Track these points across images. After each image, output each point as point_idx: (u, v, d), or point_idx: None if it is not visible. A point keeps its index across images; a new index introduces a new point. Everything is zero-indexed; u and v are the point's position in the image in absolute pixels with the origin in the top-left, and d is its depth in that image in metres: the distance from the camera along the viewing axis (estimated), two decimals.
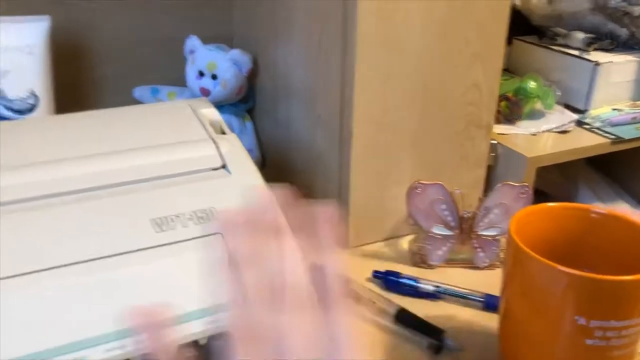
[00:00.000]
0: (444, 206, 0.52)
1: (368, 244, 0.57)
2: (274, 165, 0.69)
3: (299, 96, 0.60)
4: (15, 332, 0.34)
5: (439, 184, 0.51)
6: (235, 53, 0.66)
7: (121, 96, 0.72)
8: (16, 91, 0.62)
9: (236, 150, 0.48)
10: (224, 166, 0.46)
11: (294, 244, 0.30)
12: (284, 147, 0.66)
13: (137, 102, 0.72)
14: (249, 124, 0.71)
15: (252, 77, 0.69)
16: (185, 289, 0.38)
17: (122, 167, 0.43)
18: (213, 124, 0.50)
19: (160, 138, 0.47)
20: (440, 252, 0.54)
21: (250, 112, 0.73)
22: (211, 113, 0.52)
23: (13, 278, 0.36)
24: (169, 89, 0.72)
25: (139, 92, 0.72)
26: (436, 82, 0.54)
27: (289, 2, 0.59)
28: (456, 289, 0.50)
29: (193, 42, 0.67)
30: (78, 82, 0.70)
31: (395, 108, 0.53)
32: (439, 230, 0.53)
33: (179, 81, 0.72)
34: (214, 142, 0.47)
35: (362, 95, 0.51)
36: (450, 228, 0.53)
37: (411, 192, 0.51)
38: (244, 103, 0.72)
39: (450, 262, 0.55)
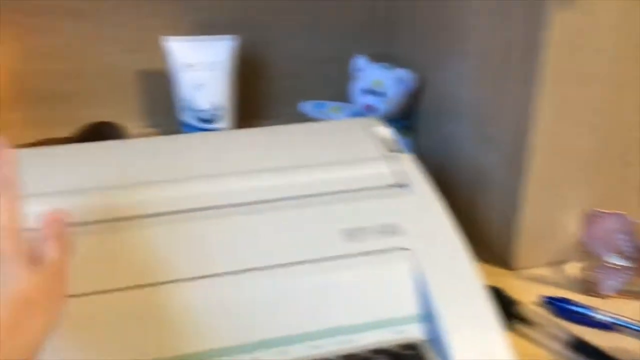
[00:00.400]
0: (622, 236, 0.50)
1: (534, 267, 0.57)
2: (434, 181, 0.71)
3: (468, 116, 0.61)
4: (219, 325, 0.39)
5: (620, 213, 0.50)
6: (402, 72, 0.68)
7: (289, 108, 0.77)
8: (205, 103, 0.69)
9: (412, 169, 0.50)
10: (401, 184, 0.48)
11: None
12: (445, 164, 0.67)
13: (303, 115, 0.77)
14: (409, 141, 0.73)
15: (415, 95, 0.71)
16: (372, 298, 0.41)
17: (309, 180, 0.47)
18: (388, 142, 0.53)
19: (340, 154, 0.50)
20: (613, 282, 0.52)
21: (410, 128, 0.75)
22: (385, 132, 0.55)
23: (219, 276, 0.40)
24: (333, 104, 0.76)
25: (305, 106, 0.77)
26: (624, 110, 0.52)
27: (463, 24, 0.60)
28: (636, 322, 0.48)
29: (360, 61, 0.71)
30: (254, 95, 0.77)
31: (576, 135, 0.52)
32: (614, 259, 0.51)
33: (342, 97, 0.76)
34: (391, 160, 0.50)
35: (542, 121, 0.51)
36: (627, 258, 0.51)
37: (588, 219, 0.50)
38: (405, 120, 0.74)
39: (623, 293, 0.53)
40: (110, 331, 0.37)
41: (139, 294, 0.39)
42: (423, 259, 0.43)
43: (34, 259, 0.30)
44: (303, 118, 0.77)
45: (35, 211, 0.34)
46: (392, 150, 0.51)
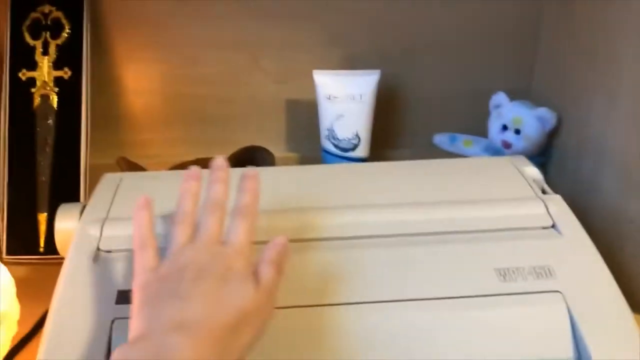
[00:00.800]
0: None
1: None
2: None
3: (613, 160, 0.61)
4: (375, 350, 0.42)
5: None
6: (542, 111, 0.69)
7: (422, 139, 0.80)
8: (344, 132, 0.73)
9: (563, 210, 0.50)
10: (553, 225, 0.49)
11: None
12: (581, 205, 0.66)
13: (434, 146, 0.79)
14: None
15: (552, 133, 0.71)
16: (524, 338, 0.42)
17: (463, 216, 0.49)
18: (538, 182, 0.54)
19: (493, 192, 0.52)
20: None
21: (543, 166, 0.75)
22: (533, 172, 0.56)
23: (376, 304, 0.43)
24: (466, 137, 0.78)
25: (438, 138, 0.79)
26: None
27: (613, 66, 0.60)
28: None
29: (500, 97, 0.72)
30: (388, 124, 0.80)
31: None
32: None
33: (475, 130, 0.77)
34: (543, 201, 0.50)
35: None
36: None
37: None
38: (539, 157, 0.74)
39: None
40: (281, 346, 0.41)
41: (307, 312, 0.42)
42: (576, 303, 0.43)
43: (255, 275, 0.34)
44: (435, 149, 0.79)
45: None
46: (542, 191, 0.52)
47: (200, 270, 0.33)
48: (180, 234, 0.38)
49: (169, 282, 0.33)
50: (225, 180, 0.40)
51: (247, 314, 0.32)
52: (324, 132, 0.74)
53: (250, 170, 0.41)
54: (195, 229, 0.38)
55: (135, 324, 0.32)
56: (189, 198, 0.40)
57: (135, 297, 0.34)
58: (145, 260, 0.36)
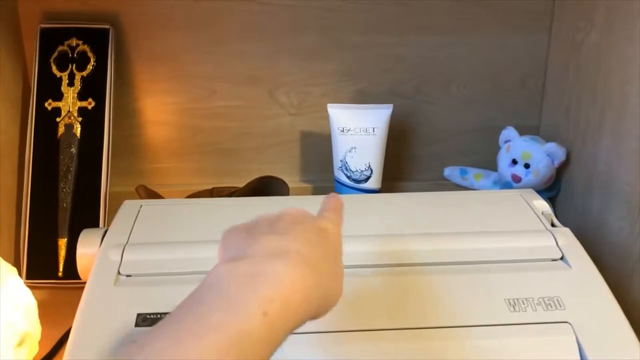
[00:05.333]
0: None
1: None
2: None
3: (621, 195, 0.62)
4: None
5: None
6: (552, 146, 0.70)
7: (432, 173, 0.81)
8: (357, 164, 0.74)
9: (572, 243, 0.51)
10: (562, 258, 0.50)
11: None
12: (590, 239, 0.67)
13: (444, 179, 0.80)
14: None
15: (561, 168, 0.73)
16: None
17: (474, 247, 0.50)
18: (547, 215, 0.55)
19: (501, 224, 0.53)
20: None
21: (552, 200, 0.76)
22: (542, 205, 0.57)
23: (388, 331, 0.44)
24: (476, 171, 0.79)
25: (448, 171, 0.80)
26: None
27: (618, 105, 0.61)
28: None
29: (510, 132, 0.74)
30: (399, 157, 0.82)
31: None
32: None
33: (485, 164, 0.79)
34: (552, 233, 0.52)
35: None
36: None
37: None
38: (547, 191, 0.75)
39: None
40: None
41: (322, 338, 0.43)
42: (585, 334, 0.44)
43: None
44: (445, 182, 0.80)
45: None
46: (552, 224, 0.53)
47: (294, 218, 0.35)
48: None
49: (265, 225, 0.34)
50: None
51: (337, 253, 0.35)
52: (337, 164, 0.76)
53: (332, 194, 0.42)
54: None
55: (229, 253, 0.32)
56: None
57: (231, 236, 0.34)
58: None
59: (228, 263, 0.31)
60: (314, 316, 0.32)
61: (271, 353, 0.28)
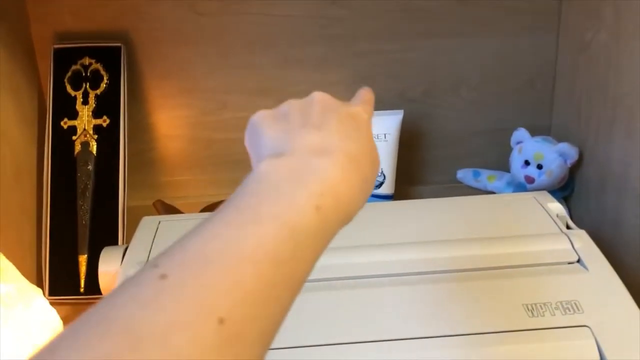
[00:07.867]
0: None
1: None
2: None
3: (634, 194, 0.62)
4: None
5: None
6: (564, 146, 0.70)
7: (444, 176, 0.82)
8: None
9: (588, 245, 0.52)
10: (579, 260, 0.50)
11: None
12: (606, 239, 0.67)
13: (457, 182, 0.80)
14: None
15: (574, 168, 0.72)
16: None
17: (489, 253, 0.50)
18: (562, 218, 0.55)
19: (516, 228, 0.53)
20: None
21: (566, 199, 0.76)
22: (557, 207, 0.57)
23: (404, 341, 0.44)
24: (489, 173, 0.79)
25: (461, 173, 0.80)
26: None
27: (627, 101, 0.61)
28: None
29: (521, 133, 0.74)
30: (411, 161, 0.82)
31: None
32: None
33: (497, 165, 0.79)
34: (567, 236, 0.52)
35: None
36: None
37: None
38: (561, 191, 0.75)
39: None
40: None
41: (337, 350, 0.44)
42: (604, 338, 0.44)
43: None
44: (458, 184, 0.81)
45: None
46: (567, 226, 0.54)
47: (326, 105, 0.34)
48: None
49: (296, 114, 0.34)
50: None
51: (371, 147, 0.34)
52: None
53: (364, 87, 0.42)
54: None
55: (267, 146, 0.32)
56: None
57: (262, 127, 0.34)
58: None
59: (272, 159, 0.30)
60: (358, 210, 0.32)
61: (322, 249, 0.28)
